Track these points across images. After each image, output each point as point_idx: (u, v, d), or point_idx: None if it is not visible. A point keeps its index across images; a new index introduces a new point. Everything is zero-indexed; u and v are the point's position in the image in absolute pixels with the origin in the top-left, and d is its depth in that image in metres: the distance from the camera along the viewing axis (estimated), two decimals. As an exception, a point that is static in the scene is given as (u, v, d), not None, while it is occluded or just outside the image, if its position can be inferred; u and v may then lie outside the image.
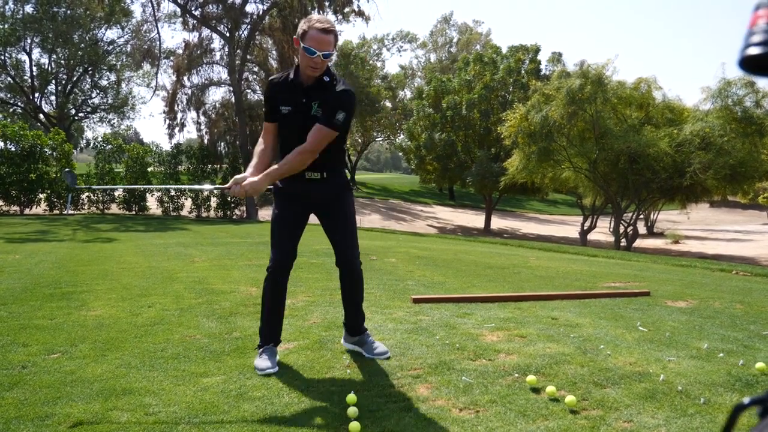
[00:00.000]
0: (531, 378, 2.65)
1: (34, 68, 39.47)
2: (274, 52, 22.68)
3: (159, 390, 2.58)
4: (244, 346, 3.24)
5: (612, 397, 2.50)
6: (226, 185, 2.82)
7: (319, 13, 21.46)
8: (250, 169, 2.86)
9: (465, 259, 7.38)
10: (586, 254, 9.52)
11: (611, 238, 20.20)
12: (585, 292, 4.81)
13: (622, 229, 18.30)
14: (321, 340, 3.36)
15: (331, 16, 22.26)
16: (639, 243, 21.92)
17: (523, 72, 29.61)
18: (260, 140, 2.96)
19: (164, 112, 22.12)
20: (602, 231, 28.17)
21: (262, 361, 2.86)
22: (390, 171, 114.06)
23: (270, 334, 2.98)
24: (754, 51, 0.37)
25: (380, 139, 55.25)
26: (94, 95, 44.77)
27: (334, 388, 2.64)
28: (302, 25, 2.70)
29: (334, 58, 2.79)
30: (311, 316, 3.94)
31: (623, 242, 18.53)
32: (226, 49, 21.89)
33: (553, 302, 4.48)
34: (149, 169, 22.10)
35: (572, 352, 3.15)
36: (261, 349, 2.95)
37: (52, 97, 42.21)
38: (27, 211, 18.83)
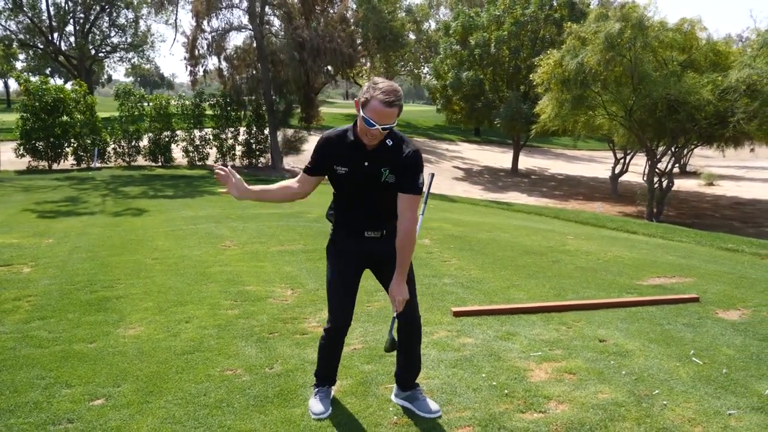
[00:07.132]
0: (588, 450, 2.55)
1: (51, 8, 38.84)
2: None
3: (206, 460, 2.55)
4: (287, 388, 3.19)
5: (675, 478, 2.39)
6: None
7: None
8: (257, 186, 2.78)
9: (501, 240, 7.20)
10: (625, 230, 9.22)
11: (643, 183, 19.68)
12: (631, 300, 4.64)
13: (656, 179, 17.71)
14: (365, 380, 3.28)
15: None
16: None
17: (555, 5, 28.05)
18: (293, 180, 2.82)
19: (185, 58, 21.66)
20: (634, 172, 27.41)
21: (317, 404, 2.95)
22: (413, 101, 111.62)
23: (326, 377, 3.06)
24: None
25: (403, 73, 53.84)
26: (112, 34, 44.16)
27: (383, 457, 2.58)
28: (365, 91, 2.45)
29: (394, 125, 2.56)
30: (351, 337, 3.86)
31: (657, 189, 18.00)
32: (245, -9, 21.11)
33: (598, 314, 4.34)
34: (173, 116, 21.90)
35: (626, 399, 3.03)
36: (316, 390, 3.03)
37: (71, 38, 41.69)
38: (55, 165, 18.94)
